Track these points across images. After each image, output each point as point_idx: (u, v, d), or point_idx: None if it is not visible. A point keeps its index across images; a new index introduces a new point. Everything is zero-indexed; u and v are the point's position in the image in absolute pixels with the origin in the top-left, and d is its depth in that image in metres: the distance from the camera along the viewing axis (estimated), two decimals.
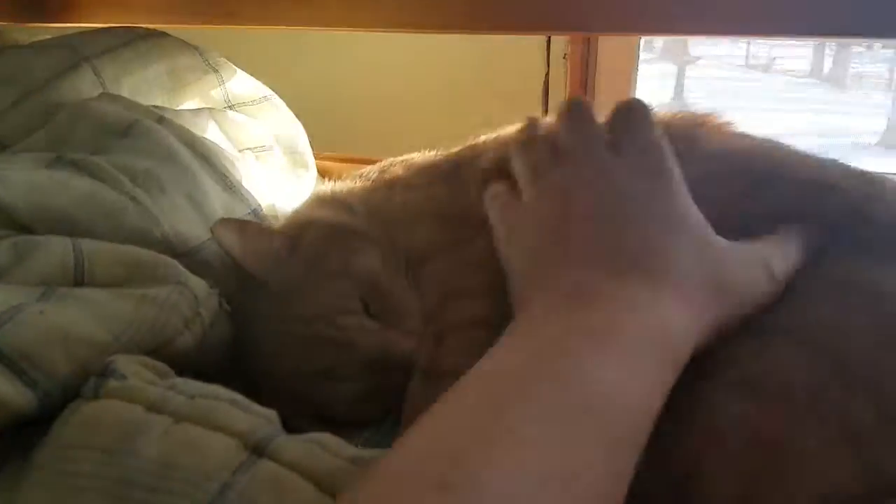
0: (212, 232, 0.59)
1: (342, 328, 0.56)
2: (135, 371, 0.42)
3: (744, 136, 0.61)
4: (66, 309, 0.45)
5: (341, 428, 0.57)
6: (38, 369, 0.41)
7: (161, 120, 0.67)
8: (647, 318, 0.40)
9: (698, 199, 0.49)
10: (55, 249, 0.50)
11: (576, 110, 0.52)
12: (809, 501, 0.39)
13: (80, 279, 0.49)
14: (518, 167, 0.54)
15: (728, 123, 0.62)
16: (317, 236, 0.62)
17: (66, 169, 0.57)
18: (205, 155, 0.67)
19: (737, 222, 0.50)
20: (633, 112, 0.50)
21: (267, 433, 0.37)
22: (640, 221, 0.45)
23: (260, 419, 0.38)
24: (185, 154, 0.65)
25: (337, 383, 0.57)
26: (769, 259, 0.46)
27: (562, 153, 0.50)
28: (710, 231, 0.46)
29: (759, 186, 0.53)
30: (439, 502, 0.29)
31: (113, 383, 0.40)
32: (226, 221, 0.60)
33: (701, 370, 0.43)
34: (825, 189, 0.51)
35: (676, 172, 0.47)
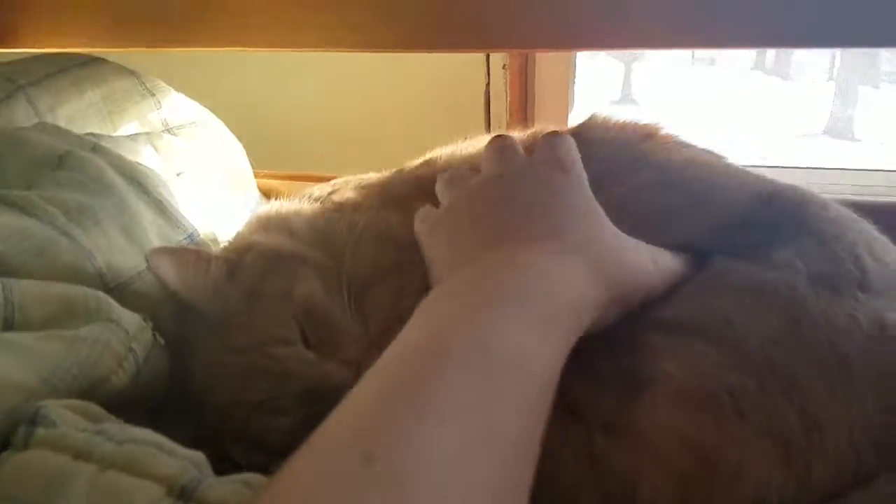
0: (146, 261, 0.58)
1: (277, 359, 0.55)
2: (64, 416, 0.42)
3: (686, 147, 0.64)
4: None
5: (281, 456, 0.58)
6: None
7: (95, 148, 0.67)
8: (557, 286, 0.42)
9: (630, 210, 0.53)
10: None
11: (500, 141, 0.55)
12: None
13: (9, 319, 0.48)
14: (438, 187, 0.57)
15: (672, 135, 0.65)
16: (255, 262, 0.62)
17: None
18: (140, 182, 0.66)
19: (664, 233, 0.53)
20: (552, 136, 0.54)
21: (193, 477, 0.37)
22: (551, 205, 0.48)
23: (186, 463, 0.38)
24: (118, 183, 0.64)
25: (273, 415, 0.56)
26: (657, 255, 0.50)
27: (481, 167, 0.54)
28: (608, 221, 0.49)
29: (690, 201, 0.56)
30: (365, 474, 0.30)
31: (42, 431, 0.40)
32: (160, 250, 0.59)
33: (632, 383, 0.45)
34: (743, 209, 0.54)
35: (583, 175, 0.51)
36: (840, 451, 0.42)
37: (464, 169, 0.57)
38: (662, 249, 0.51)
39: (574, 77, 1.12)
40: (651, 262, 0.49)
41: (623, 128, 0.65)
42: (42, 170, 0.62)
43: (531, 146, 0.57)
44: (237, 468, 0.44)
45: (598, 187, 0.52)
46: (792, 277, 0.48)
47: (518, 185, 0.50)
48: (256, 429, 0.56)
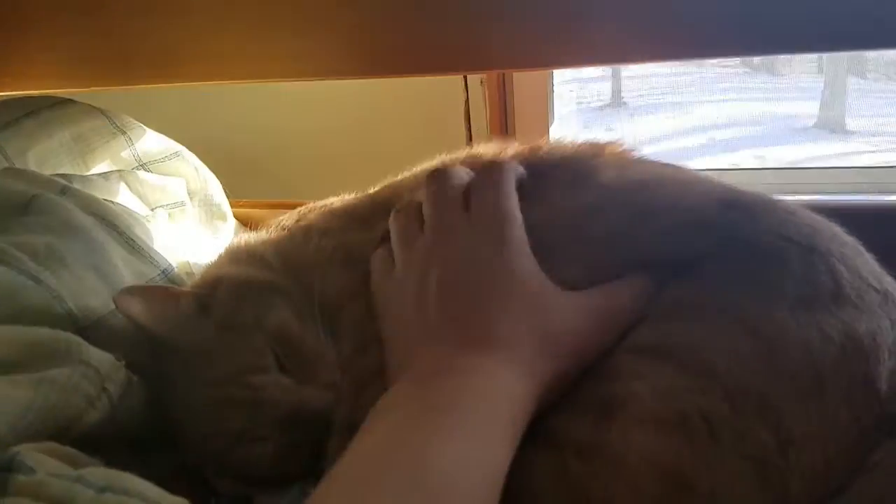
0: (114, 302, 0.58)
1: (254, 388, 0.55)
2: (41, 461, 0.41)
3: (641, 163, 0.63)
4: None
5: (265, 487, 0.58)
6: None
7: (64, 190, 0.66)
8: (489, 387, 0.43)
9: (584, 232, 0.53)
10: None
11: (437, 179, 0.56)
12: None
13: None
14: (392, 235, 0.58)
15: (628, 151, 0.64)
16: (227, 294, 0.62)
17: None
18: (110, 220, 0.66)
19: (619, 254, 0.52)
20: (489, 175, 0.55)
21: None
22: (483, 291, 0.49)
23: None
24: (88, 223, 0.64)
25: (253, 444, 0.56)
26: (602, 305, 0.50)
27: (425, 221, 0.55)
28: (546, 287, 0.50)
29: (643, 219, 0.54)
30: None
31: (21, 478, 0.39)
32: (128, 290, 0.59)
33: (606, 406, 0.44)
34: (702, 223, 0.53)
35: (517, 235, 0.52)
36: (816, 467, 0.42)
37: (413, 207, 0.57)
38: (616, 283, 0.52)
39: (552, 89, 1.12)
40: (594, 318, 0.49)
41: (577, 146, 0.65)
42: (9, 216, 0.62)
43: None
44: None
45: (541, 202, 0.53)
46: (764, 294, 0.47)
47: (459, 269, 0.51)
48: (238, 459, 0.56)
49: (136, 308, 0.58)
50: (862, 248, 0.51)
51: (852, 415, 0.43)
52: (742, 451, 0.42)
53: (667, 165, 0.62)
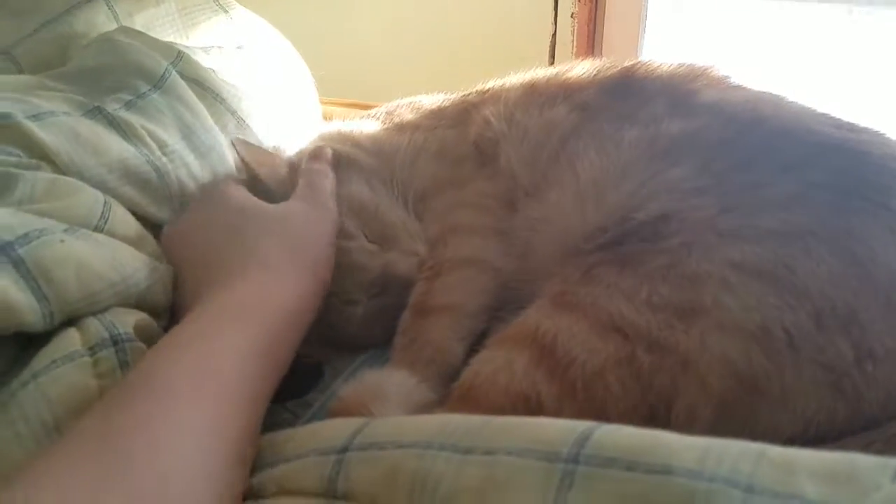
0: (232, 145, 0.62)
1: (344, 250, 0.58)
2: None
3: (739, 88, 0.63)
4: (84, 244, 0.47)
5: (343, 351, 0.60)
6: (51, 287, 0.43)
7: (180, 56, 0.68)
8: (225, 297, 0.48)
9: (684, 149, 0.53)
10: (87, 199, 0.52)
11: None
12: (793, 425, 0.42)
13: (99, 229, 0.51)
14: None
15: (726, 76, 0.64)
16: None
17: (102, 122, 0.59)
18: (222, 97, 0.69)
19: (720, 167, 0.53)
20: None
21: None
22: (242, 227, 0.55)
23: None
24: (205, 105, 0.67)
25: (346, 305, 0.59)
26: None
27: None
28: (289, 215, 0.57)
29: (742, 135, 0.55)
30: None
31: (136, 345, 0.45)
32: (243, 140, 0.64)
33: (686, 308, 0.45)
34: (806, 142, 0.53)
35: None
36: (891, 380, 0.43)
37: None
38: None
39: (644, 29, 1.10)
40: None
41: (675, 68, 0.65)
42: (139, 83, 0.64)
43: None
44: None
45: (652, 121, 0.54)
46: (859, 219, 0.47)
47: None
48: (332, 317, 0.58)
49: (250, 155, 0.62)
50: None
51: None
52: (819, 361, 0.43)
53: (765, 91, 0.62)
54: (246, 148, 0.63)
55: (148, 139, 0.60)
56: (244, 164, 0.62)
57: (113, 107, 0.60)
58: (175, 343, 0.44)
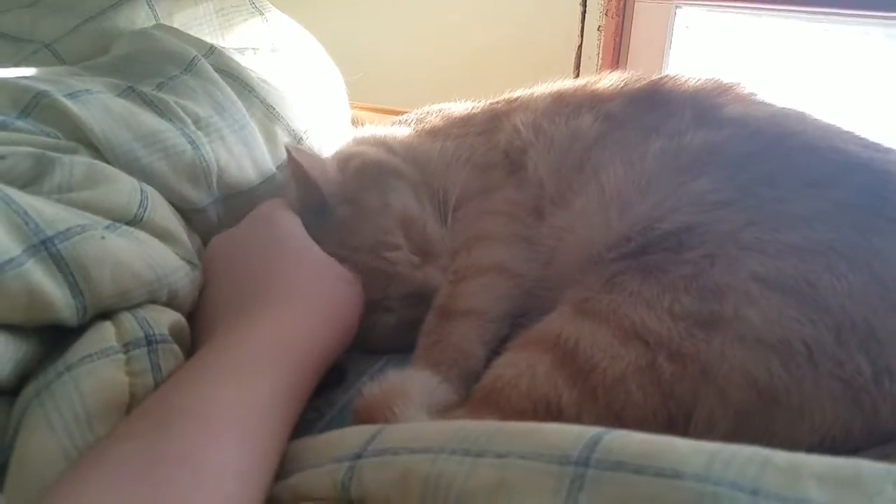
0: (287, 151, 0.63)
1: (390, 261, 0.60)
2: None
3: (764, 104, 0.64)
4: (123, 241, 0.48)
5: (366, 353, 0.61)
6: (87, 284, 0.44)
7: (212, 50, 0.70)
8: (261, 333, 0.49)
9: (709, 162, 0.54)
10: (125, 187, 0.53)
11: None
12: (809, 438, 0.43)
13: (139, 217, 0.52)
14: None
15: (752, 93, 0.65)
16: (358, 167, 0.66)
17: (136, 101, 0.60)
18: (252, 87, 0.71)
19: (745, 180, 0.53)
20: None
21: None
22: (279, 260, 0.56)
23: None
24: (236, 92, 0.68)
25: (383, 313, 0.61)
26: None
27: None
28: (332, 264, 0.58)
29: (767, 149, 0.55)
30: None
31: (170, 347, 0.46)
32: (297, 147, 0.65)
33: (708, 319, 0.46)
34: (831, 159, 0.54)
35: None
36: None
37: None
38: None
39: (670, 45, 1.10)
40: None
41: (702, 82, 0.66)
42: (170, 68, 0.66)
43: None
44: None
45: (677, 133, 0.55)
46: (881, 238, 0.48)
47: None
48: (367, 323, 0.59)
49: (306, 161, 0.63)
50: None
51: None
52: (838, 375, 0.43)
53: (791, 108, 0.63)
54: (302, 156, 0.63)
55: (182, 113, 0.61)
56: (302, 173, 0.63)
57: (146, 88, 0.62)
58: (211, 378, 0.44)
